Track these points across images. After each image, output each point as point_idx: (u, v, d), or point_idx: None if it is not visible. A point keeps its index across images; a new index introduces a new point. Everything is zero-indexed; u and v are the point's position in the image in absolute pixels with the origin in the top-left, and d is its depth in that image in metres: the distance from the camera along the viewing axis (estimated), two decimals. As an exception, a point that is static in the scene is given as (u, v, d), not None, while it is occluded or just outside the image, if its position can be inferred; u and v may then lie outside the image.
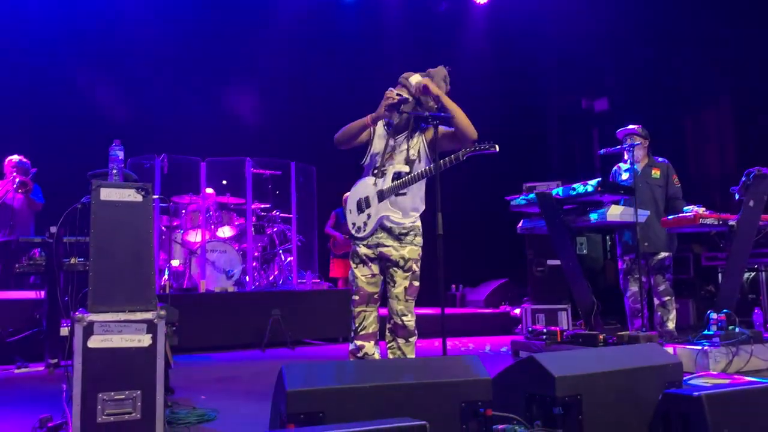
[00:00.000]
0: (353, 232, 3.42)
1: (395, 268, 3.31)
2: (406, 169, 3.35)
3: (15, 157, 6.35)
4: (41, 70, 8.12)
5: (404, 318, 3.29)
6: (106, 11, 8.56)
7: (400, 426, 1.89)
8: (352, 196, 3.47)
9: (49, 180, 6.61)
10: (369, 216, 3.36)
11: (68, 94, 8.12)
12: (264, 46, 9.31)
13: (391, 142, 3.42)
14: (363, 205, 3.40)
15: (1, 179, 6.38)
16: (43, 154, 6.94)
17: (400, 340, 3.31)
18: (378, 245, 3.34)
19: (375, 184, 3.38)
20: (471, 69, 9.75)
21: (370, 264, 3.36)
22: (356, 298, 3.36)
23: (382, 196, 3.34)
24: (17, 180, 6.16)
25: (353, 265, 3.40)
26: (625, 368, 2.56)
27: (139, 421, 2.48)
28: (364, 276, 3.35)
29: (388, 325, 3.37)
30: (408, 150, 3.37)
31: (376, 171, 3.39)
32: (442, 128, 3.33)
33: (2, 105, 7.76)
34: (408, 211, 3.36)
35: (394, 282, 3.32)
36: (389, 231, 3.34)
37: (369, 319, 3.34)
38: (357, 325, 3.35)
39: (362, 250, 3.37)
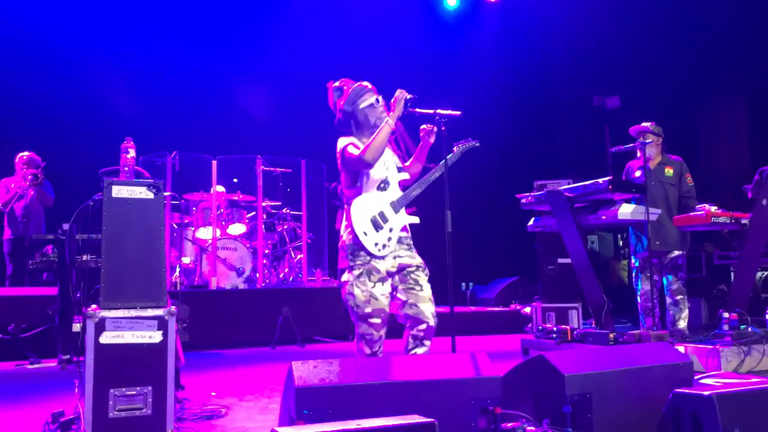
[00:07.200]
0: (376, 252, 3.14)
1: (418, 272, 3.20)
2: (407, 176, 3.35)
3: (25, 154, 6.41)
4: (53, 69, 8.18)
5: (435, 320, 3.17)
6: (117, 9, 8.61)
7: (409, 423, 1.89)
8: (362, 217, 3.19)
9: (61, 178, 6.67)
10: (391, 229, 3.20)
11: (80, 92, 8.17)
12: (275, 42, 9.33)
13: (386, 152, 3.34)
14: (380, 221, 3.20)
15: (13, 176, 6.44)
16: (55, 152, 7.00)
17: (428, 342, 3.16)
18: (396, 257, 3.21)
19: (382, 197, 3.24)
20: (482, 67, 9.71)
21: (389, 279, 3.18)
22: (377, 321, 3.09)
23: (395, 207, 3.24)
24: (29, 174, 6.23)
25: (371, 285, 3.09)
26: (636, 367, 2.55)
27: (150, 416, 2.50)
28: (383, 295, 3.12)
29: (412, 332, 3.16)
30: (399, 156, 3.32)
31: (382, 184, 3.25)
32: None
33: (14, 103, 7.83)
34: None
35: (421, 286, 3.18)
36: (400, 241, 3.24)
37: (381, 341, 3.17)
38: (376, 349, 3.15)
39: (383, 266, 3.15)
